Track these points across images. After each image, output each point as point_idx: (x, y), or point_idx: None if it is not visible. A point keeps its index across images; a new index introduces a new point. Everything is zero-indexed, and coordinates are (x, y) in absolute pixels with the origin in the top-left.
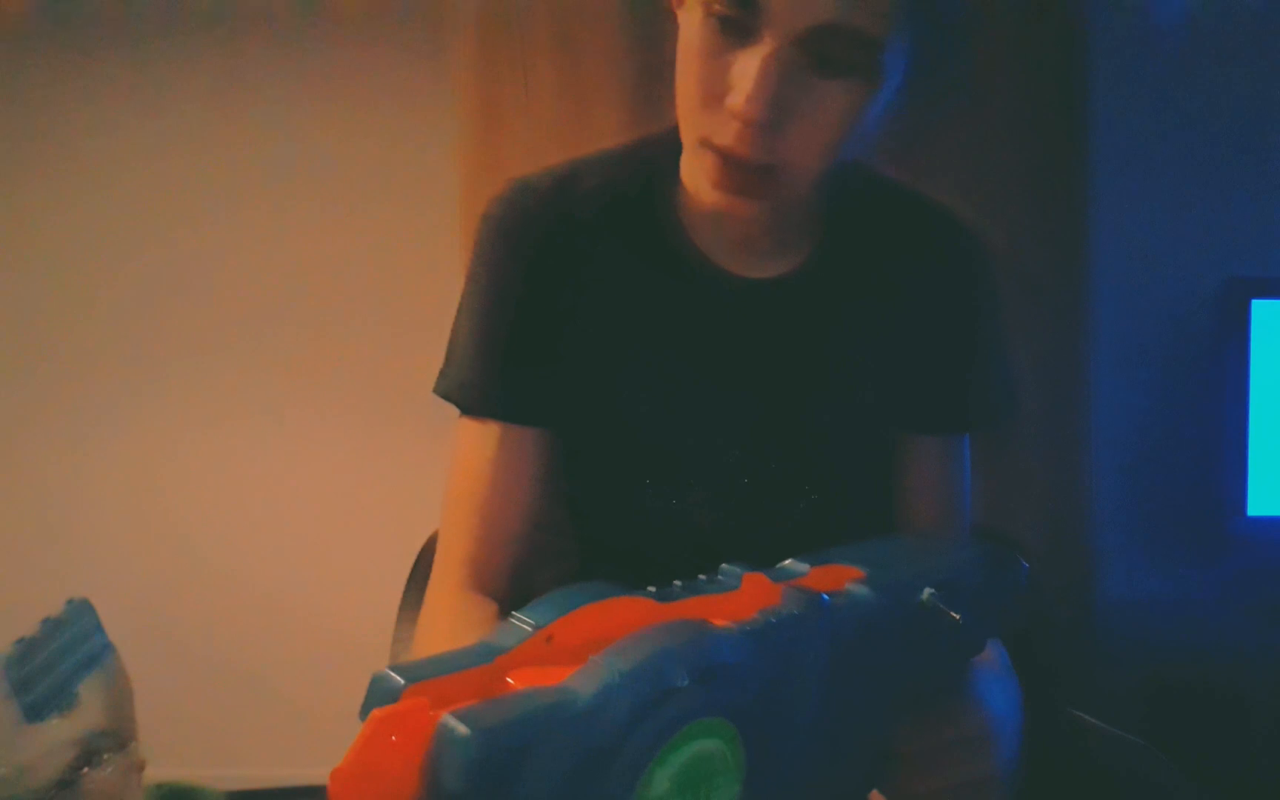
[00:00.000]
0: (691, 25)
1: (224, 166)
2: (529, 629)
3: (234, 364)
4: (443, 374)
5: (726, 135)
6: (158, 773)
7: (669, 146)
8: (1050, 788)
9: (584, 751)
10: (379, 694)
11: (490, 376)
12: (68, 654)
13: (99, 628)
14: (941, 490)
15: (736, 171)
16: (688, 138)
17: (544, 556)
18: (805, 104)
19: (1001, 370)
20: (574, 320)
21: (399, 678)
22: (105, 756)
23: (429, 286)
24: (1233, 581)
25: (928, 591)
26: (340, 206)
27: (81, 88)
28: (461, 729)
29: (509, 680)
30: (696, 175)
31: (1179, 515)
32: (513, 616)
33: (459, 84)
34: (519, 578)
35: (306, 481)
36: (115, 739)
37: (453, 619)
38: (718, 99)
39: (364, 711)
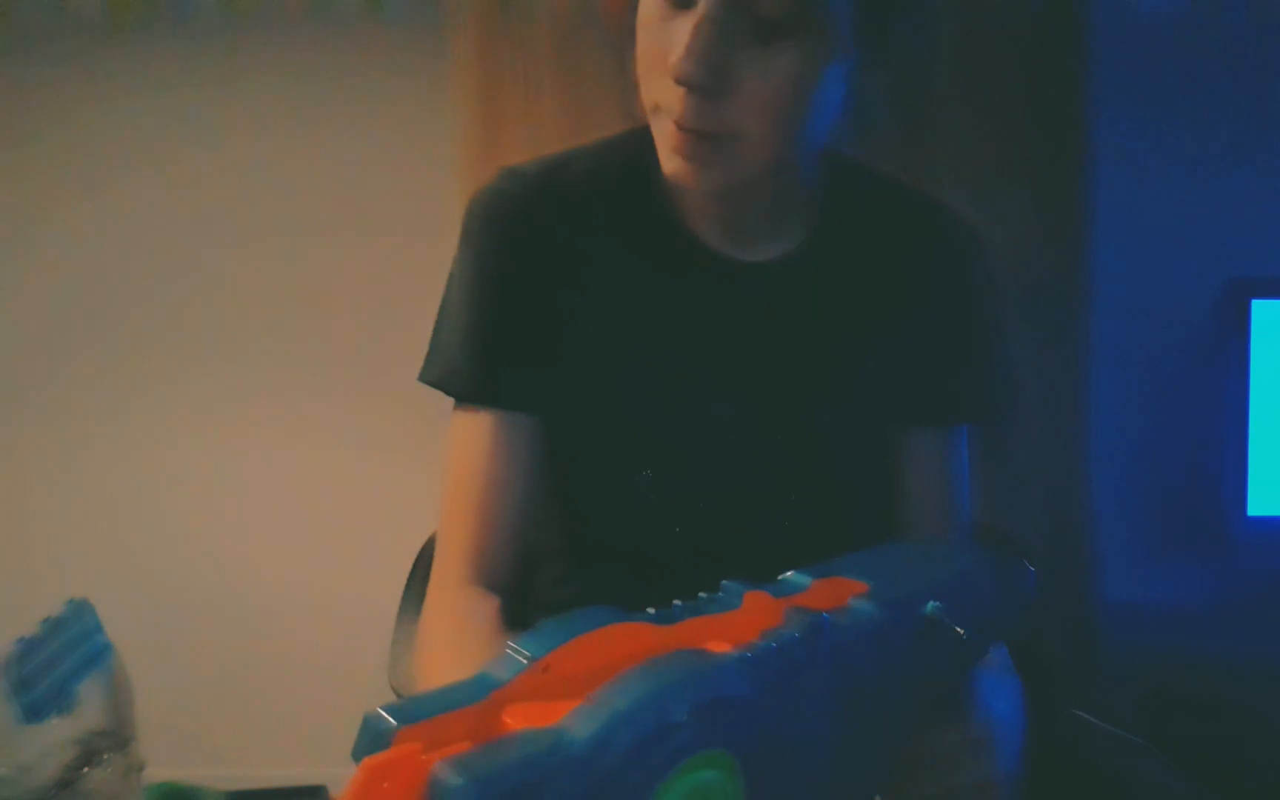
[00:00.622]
0: None
1: (224, 167)
2: (525, 661)
3: (233, 363)
4: (429, 361)
5: (671, 100)
6: (158, 773)
7: None
8: (1050, 788)
9: (582, 794)
10: (371, 737)
11: (480, 362)
12: (68, 654)
13: (99, 628)
14: (940, 486)
15: (689, 139)
16: (646, 108)
17: (542, 556)
18: (750, 70)
19: (998, 363)
20: (565, 304)
21: (391, 719)
22: (105, 756)
23: (429, 288)
24: (1233, 581)
25: (932, 605)
26: (341, 207)
27: (81, 88)
28: (455, 779)
29: (505, 719)
30: (659, 146)
31: (1179, 515)
32: (509, 647)
33: (459, 84)
34: (518, 577)
35: (306, 481)
36: (115, 739)
37: (454, 615)
38: (663, 64)
39: (356, 754)
